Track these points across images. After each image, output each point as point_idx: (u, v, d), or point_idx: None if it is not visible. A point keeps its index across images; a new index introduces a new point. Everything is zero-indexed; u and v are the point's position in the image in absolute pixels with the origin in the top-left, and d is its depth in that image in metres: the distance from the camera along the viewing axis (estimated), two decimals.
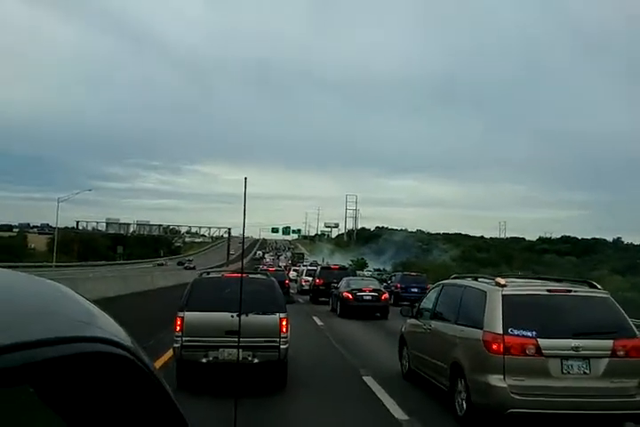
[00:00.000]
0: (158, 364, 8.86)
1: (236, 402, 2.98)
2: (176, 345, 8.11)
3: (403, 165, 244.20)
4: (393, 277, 36.19)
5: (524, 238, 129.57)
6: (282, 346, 8.09)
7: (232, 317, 7.49)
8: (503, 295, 6.78)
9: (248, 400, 6.56)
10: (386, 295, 22.15)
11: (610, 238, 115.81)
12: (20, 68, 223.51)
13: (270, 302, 8.33)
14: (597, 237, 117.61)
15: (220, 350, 7.90)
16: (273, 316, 8.17)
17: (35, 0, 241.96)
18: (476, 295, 7.27)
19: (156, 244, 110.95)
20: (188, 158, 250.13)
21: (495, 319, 6.62)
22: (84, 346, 0.81)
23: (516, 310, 6.69)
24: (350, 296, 21.25)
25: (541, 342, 6.41)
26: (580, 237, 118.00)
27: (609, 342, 6.53)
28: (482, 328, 6.72)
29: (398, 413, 7.22)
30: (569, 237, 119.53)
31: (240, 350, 7.65)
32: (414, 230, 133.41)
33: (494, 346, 6.46)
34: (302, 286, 34.06)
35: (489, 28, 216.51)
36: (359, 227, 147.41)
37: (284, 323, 8.19)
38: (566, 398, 6.31)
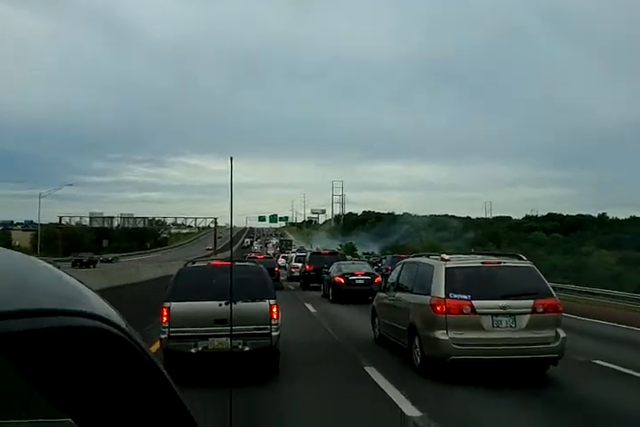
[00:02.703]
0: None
1: (232, 391, 3.05)
2: (163, 336, 7.87)
3: (388, 149, 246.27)
4: (383, 260, 36.57)
5: (510, 217, 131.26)
6: (273, 333, 7.98)
7: (220, 305, 7.54)
8: (446, 268, 8.43)
9: (241, 390, 6.19)
10: (379, 278, 20.86)
11: (595, 214, 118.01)
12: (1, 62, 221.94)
13: (259, 288, 8.21)
14: (583, 213, 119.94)
15: (210, 339, 7.79)
16: (263, 303, 8.07)
17: None
18: (427, 269, 8.93)
19: (143, 236, 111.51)
20: (172, 151, 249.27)
21: (439, 287, 8.25)
22: (65, 320, 0.73)
23: (455, 279, 8.34)
24: (342, 281, 21.06)
25: (475, 303, 8.04)
26: (565, 215, 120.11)
27: (530, 302, 8.17)
28: (430, 294, 8.36)
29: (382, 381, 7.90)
30: (555, 214, 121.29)
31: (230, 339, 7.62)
32: (401, 213, 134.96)
33: (438, 307, 8.09)
34: (292, 272, 33.60)
35: (469, 4, 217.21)
36: (346, 212, 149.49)
37: (275, 309, 8.08)
38: (497, 347, 7.93)
